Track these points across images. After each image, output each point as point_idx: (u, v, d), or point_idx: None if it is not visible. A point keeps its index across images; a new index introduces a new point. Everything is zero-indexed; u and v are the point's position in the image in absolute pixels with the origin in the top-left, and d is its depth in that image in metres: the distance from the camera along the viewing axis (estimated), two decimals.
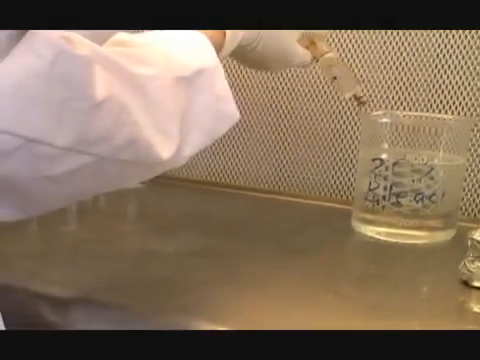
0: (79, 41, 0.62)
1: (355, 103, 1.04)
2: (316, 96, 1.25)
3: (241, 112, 1.28)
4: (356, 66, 1.22)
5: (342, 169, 1.25)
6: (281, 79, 1.27)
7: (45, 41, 0.59)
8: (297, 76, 1.26)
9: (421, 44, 1.18)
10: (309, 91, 1.25)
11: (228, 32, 0.83)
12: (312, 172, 1.27)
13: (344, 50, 1.22)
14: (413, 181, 1.02)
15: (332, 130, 1.25)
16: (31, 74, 0.58)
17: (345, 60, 1.22)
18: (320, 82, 1.24)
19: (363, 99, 1.02)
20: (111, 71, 0.64)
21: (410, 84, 1.20)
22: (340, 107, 1.24)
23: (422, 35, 1.17)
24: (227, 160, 1.32)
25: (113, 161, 0.64)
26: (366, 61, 1.21)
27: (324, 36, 1.00)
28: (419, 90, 1.19)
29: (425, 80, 1.19)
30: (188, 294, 0.80)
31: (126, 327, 0.73)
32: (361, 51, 1.22)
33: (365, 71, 1.21)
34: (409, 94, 1.20)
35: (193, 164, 1.34)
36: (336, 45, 1.22)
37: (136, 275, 0.85)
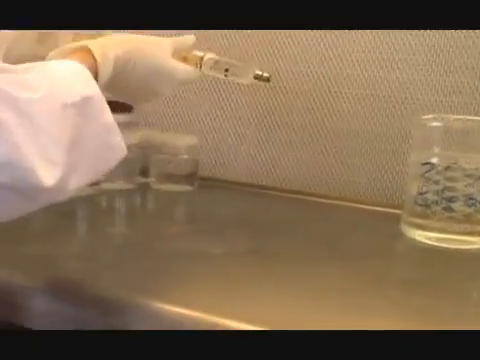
0: None
1: (261, 83, 0.99)
2: (366, 98, 1.24)
3: (289, 115, 1.30)
4: (410, 69, 1.21)
5: (393, 172, 1.24)
6: (329, 80, 1.26)
7: None
8: (345, 77, 1.25)
9: (469, 46, 1.16)
10: (359, 92, 1.25)
11: (98, 58, 0.79)
12: (361, 175, 1.26)
13: (392, 53, 1.21)
14: (465, 186, 1.01)
15: (383, 133, 1.24)
16: None
17: (399, 64, 1.21)
18: (371, 83, 1.23)
19: (265, 76, 0.98)
20: None
21: (461, 87, 1.18)
22: (392, 109, 1.23)
23: (470, 37, 1.16)
24: (276, 163, 1.32)
25: None
26: (416, 65, 1.20)
27: (190, 44, 0.95)
28: (469, 94, 1.18)
29: (474, 83, 1.17)
30: (236, 295, 0.80)
31: (174, 327, 0.74)
32: (414, 54, 1.20)
33: (413, 74, 1.20)
34: (460, 98, 1.18)
35: (242, 167, 1.34)
36: (384, 48, 1.21)
37: (184, 276, 0.85)
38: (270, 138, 1.32)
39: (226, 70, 0.97)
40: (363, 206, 1.21)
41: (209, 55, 0.96)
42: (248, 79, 0.98)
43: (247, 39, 1.31)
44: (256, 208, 1.19)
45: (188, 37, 0.94)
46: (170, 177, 1.24)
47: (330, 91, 1.27)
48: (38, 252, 0.91)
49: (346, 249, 0.98)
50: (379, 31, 1.21)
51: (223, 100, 1.35)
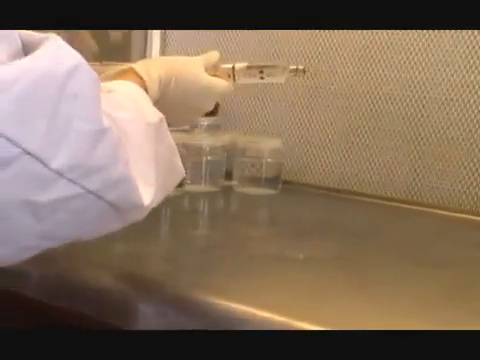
0: None
1: (299, 75, 0.97)
2: (452, 104, 1.22)
3: (377, 120, 1.28)
4: None
5: (478, 179, 1.22)
6: (412, 86, 1.25)
7: (67, 50, 0.58)
8: (430, 83, 1.23)
9: None
10: (446, 99, 1.23)
11: (146, 79, 0.79)
12: (447, 182, 1.24)
13: None
14: None
15: (469, 139, 1.22)
16: (45, 79, 0.56)
17: None
18: (456, 89, 1.22)
19: (300, 68, 0.95)
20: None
21: None
22: (478, 115, 1.21)
23: None
24: (360, 168, 1.31)
25: (98, 199, 0.60)
26: None
27: (216, 59, 0.93)
28: None
29: None
30: (316, 300, 0.80)
31: (251, 327, 0.74)
32: None
33: None
34: None
35: (326, 171, 1.34)
36: None
37: (264, 279, 0.86)
38: (354, 143, 1.31)
39: (260, 72, 0.95)
40: (449, 213, 1.19)
41: (238, 65, 0.95)
42: (284, 76, 0.96)
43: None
44: (339, 212, 1.19)
45: (213, 53, 0.94)
46: (253, 180, 1.25)
47: (416, 97, 1.26)
48: (122, 252, 0.93)
49: (430, 257, 0.97)
50: None
51: (309, 104, 1.35)
